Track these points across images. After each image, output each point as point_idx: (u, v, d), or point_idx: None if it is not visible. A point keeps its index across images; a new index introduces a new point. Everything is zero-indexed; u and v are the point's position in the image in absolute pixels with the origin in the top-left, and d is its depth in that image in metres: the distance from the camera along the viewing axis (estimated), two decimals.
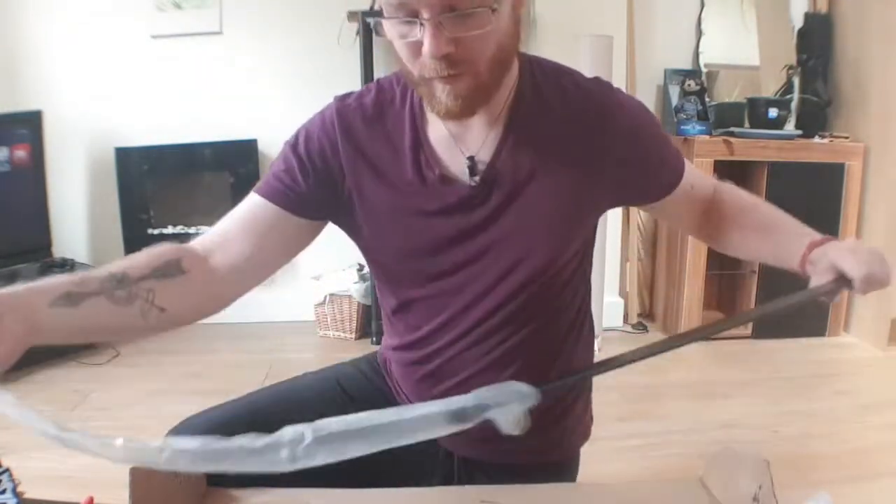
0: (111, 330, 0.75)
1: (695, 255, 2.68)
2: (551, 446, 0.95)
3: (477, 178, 0.82)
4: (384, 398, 0.97)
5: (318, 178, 0.83)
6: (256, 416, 0.88)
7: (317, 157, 0.84)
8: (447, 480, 0.96)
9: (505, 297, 0.84)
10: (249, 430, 0.85)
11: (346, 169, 0.84)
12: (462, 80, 0.72)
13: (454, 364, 0.89)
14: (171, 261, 0.74)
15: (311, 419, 0.91)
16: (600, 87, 0.85)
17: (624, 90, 0.91)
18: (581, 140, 0.81)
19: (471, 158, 0.82)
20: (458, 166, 0.82)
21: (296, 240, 0.86)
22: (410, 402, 0.96)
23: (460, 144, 0.83)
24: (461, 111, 0.74)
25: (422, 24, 0.68)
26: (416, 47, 0.70)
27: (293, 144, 0.86)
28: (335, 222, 0.89)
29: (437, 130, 0.83)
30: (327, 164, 0.84)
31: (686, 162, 0.92)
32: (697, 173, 0.94)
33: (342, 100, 0.87)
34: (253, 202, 0.84)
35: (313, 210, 0.85)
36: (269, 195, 0.83)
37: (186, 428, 0.85)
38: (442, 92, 0.73)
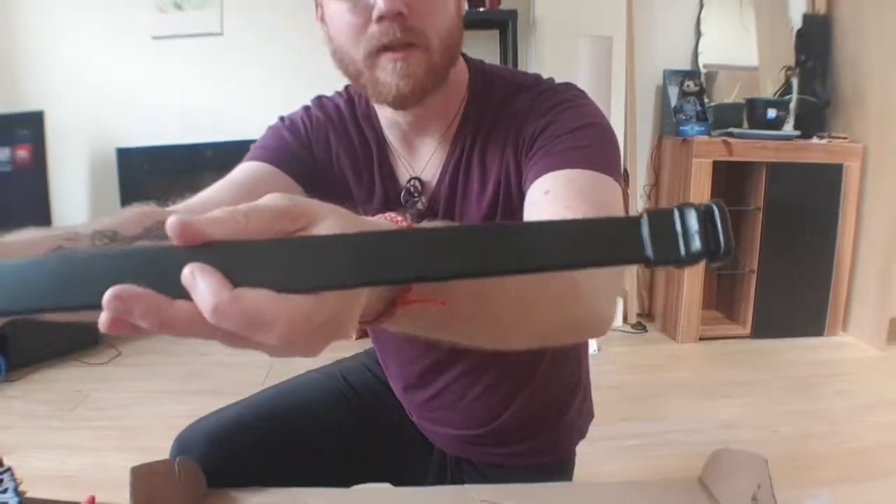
0: None
1: None
2: (545, 448, 0.96)
3: (424, 201, 0.81)
4: (388, 389, 0.99)
5: (303, 144, 0.82)
6: (264, 415, 0.89)
7: (301, 131, 0.84)
8: (440, 480, 0.96)
9: None
10: (258, 429, 0.86)
11: (318, 163, 0.83)
12: (414, 55, 0.68)
13: (430, 377, 0.90)
14: (162, 222, 0.65)
15: (318, 414, 0.92)
16: (549, 98, 0.76)
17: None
18: (514, 152, 0.76)
19: (417, 180, 0.81)
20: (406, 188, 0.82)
21: None
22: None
23: (409, 165, 0.82)
24: (411, 92, 0.69)
25: None
26: (366, 15, 0.67)
27: (278, 122, 0.85)
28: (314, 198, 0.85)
29: (393, 150, 0.83)
30: (309, 139, 0.83)
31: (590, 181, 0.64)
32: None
33: (319, 100, 0.87)
34: (239, 169, 0.79)
35: (301, 169, 0.80)
36: (254, 158, 0.80)
37: (194, 429, 0.86)
38: (391, 72, 0.68)
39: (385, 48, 0.67)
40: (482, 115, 0.79)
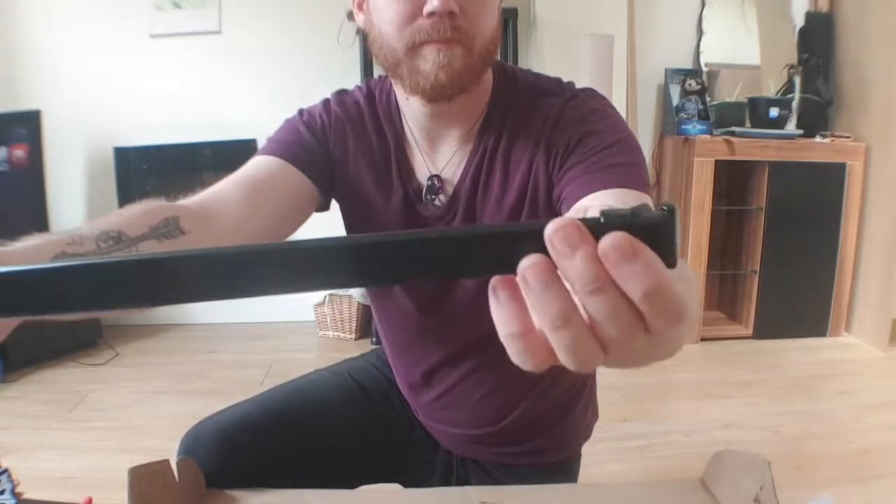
0: None
1: (695, 254, 2.68)
2: (551, 448, 0.95)
3: (443, 199, 0.81)
4: (395, 388, 0.98)
5: (318, 140, 0.83)
6: (272, 412, 0.88)
7: (318, 126, 0.84)
8: (446, 479, 0.96)
9: (476, 324, 0.82)
10: (266, 427, 0.86)
11: (334, 160, 0.83)
12: (457, 48, 0.69)
13: (437, 377, 0.90)
14: (168, 219, 0.63)
15: (326, 412, 0.92)
16: (580, 107, 0.76)
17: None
18: (545, 161, 0.76)
19: (437, 177, 0.81)
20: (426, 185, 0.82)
21: (295, 200, 0.79)
22: None
23: (429, 162, 0.82)
24: (449, 83, 0.70)
25: None
26: (416, 5, 0.68)
27: (296, 116, 0.85)
28: (328, 194, 0.85)
29: (412, 148, 0.83)
30: (326, 136, 0.83)
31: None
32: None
33: (339, 95, 0.87)
34: (250, 163, 0.79)
35: (314, 165, 0.80)
36: (268, 152, 0.80)
37: (202, 428, 0.85)
38: (433, 61, 0.69)
39: (429, 41, 0.69)
40: (506, 116, 0.79)
